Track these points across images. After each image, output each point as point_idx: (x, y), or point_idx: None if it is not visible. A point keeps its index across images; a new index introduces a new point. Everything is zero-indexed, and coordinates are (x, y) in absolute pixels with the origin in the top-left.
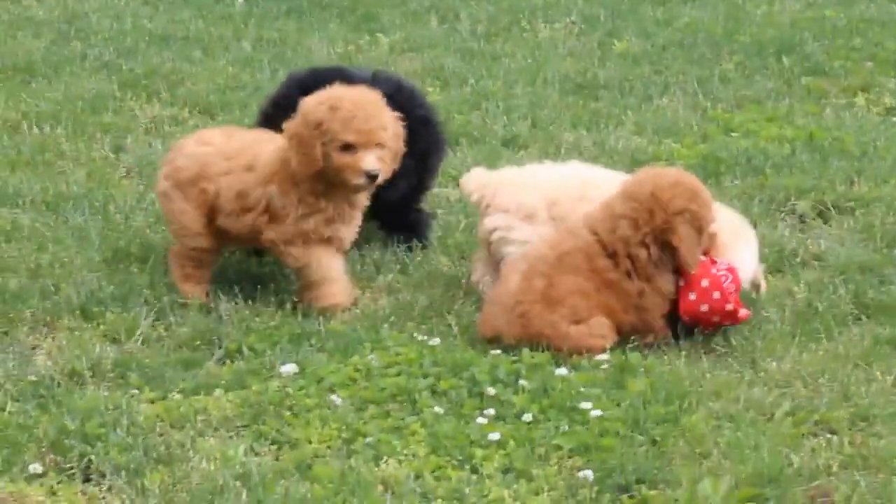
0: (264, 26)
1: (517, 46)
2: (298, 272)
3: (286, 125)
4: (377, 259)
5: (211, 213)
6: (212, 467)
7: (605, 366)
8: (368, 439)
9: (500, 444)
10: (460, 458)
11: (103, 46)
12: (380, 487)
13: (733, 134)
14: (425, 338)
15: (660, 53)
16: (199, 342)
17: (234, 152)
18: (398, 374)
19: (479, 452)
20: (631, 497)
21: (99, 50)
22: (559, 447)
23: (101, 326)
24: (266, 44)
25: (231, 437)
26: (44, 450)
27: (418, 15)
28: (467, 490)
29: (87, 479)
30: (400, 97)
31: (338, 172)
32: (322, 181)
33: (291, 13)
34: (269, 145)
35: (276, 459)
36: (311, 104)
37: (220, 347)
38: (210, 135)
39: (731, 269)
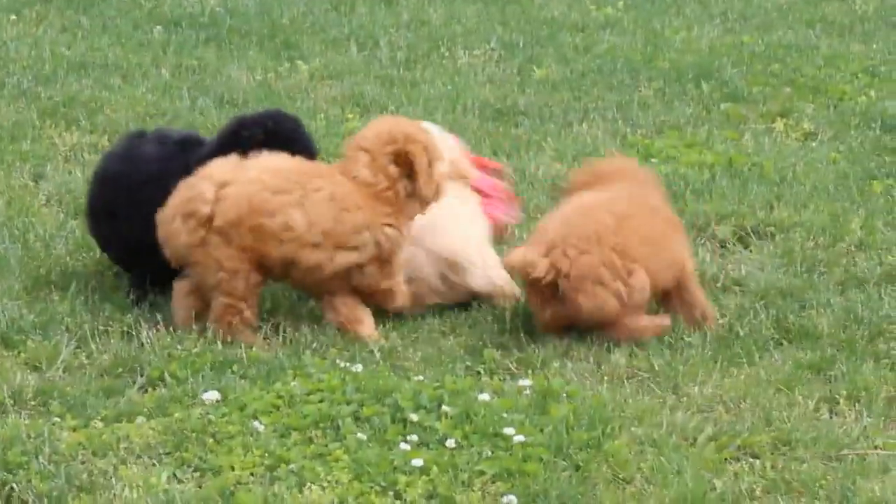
0: (183, 54)
1: (437, 73)
2: (344, 300)
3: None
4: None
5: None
6: (135, 495)
7: (527, 391)
8: (292, 466)
9: (424, 471)
10: (384, 484)
11: (21, 74)
12: None
13: (653, 160)
14: (348, 364)
15: (579, 80)
16: (120, 370)
17: (286, 184)
18: (321, 401)
19: (402, 479)
20: None
21: (17, 78)
22: (483, 473)
23: (22, 354)
24: (185, 71)
25: (154, 465)
26: None
27: (338, 42)
28: None
29: None
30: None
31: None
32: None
33: (210, 41)
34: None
35: (199, 487)
36: None
37: (141, 375)
38: (222, 170)
39: None
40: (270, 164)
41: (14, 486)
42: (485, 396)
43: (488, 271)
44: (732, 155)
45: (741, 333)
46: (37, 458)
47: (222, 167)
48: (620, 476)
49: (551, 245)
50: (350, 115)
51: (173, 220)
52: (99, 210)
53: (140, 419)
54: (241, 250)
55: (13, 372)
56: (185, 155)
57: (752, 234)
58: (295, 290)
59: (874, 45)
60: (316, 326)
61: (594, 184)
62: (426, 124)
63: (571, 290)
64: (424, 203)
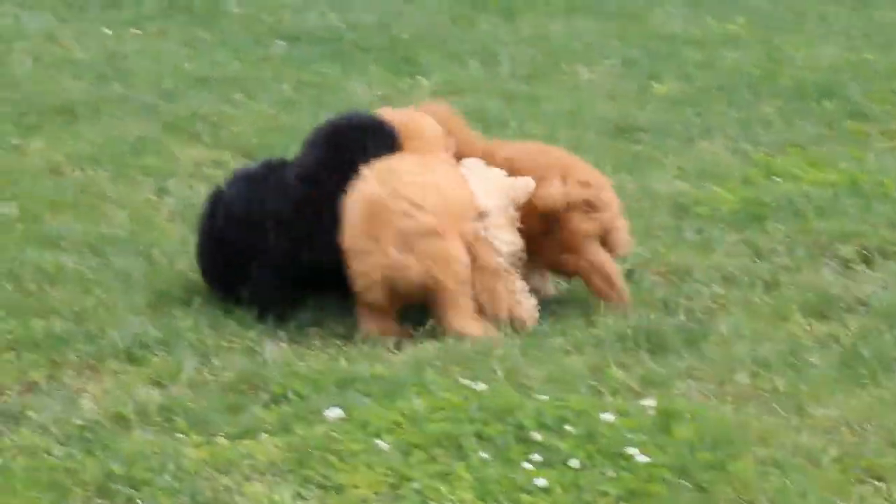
0: (304, 69)
1: (557, 89)
2: None
3: None
4: (420, 306)
5: None
6: None
7: (650, 411)
8: (415, 484)
9: (547, 491)
10: (507, 503)
11: (144, 89)
12: None
13: (776, 178)
14: (470, 382)
15: (700, 96)
16: (244, 386)
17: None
18: (444, 419)
19: (525, 498)
20: None
21: (140, 92)
22: (606, 493)
23: (146, 370)
24: (306, 86)
25: (277, 482)
26: (90, 494)
27: (459, 57)
28: None
29: None
30: None
31: None
32: None
33: (331, 56)
34: None
35: None
36: None
37: (265, 392)
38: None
39: None
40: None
41: (139, 501)
42: (608, 416)
43: None
44: (856, 173)
45: (865, 354)
46: (161, 474)
47: None
48: (744, 497)
49: None
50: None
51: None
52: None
53: (263, 436)
54: None
55: (137, 387)
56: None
57: (876, 253)
58: (416, 306)
59: None
60: (439, 343)
61: None
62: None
63: None
64: None
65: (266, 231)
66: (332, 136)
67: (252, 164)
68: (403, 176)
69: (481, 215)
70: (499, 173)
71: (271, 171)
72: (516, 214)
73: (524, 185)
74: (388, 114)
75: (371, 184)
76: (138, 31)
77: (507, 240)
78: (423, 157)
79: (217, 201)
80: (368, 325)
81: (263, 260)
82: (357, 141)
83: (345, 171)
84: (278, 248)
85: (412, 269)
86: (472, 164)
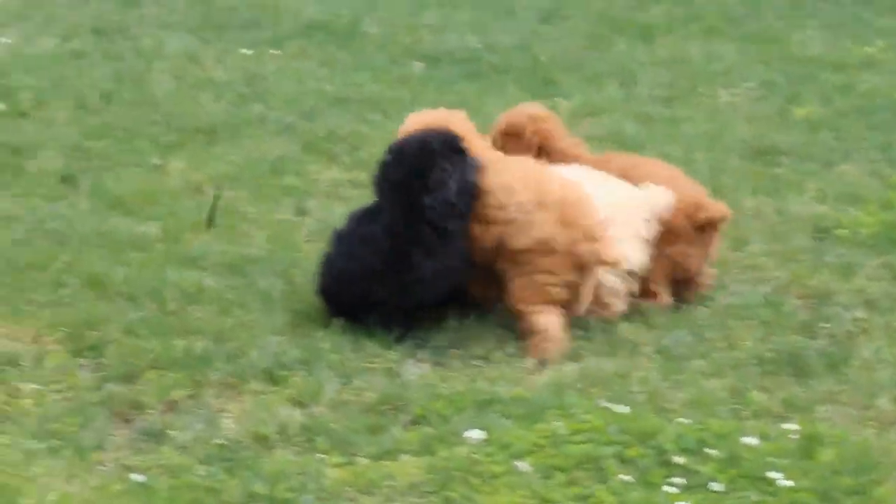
0: (443, 90)
1: (696, 111)
2: None
3: None
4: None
5: None
6: None
7: (793, 435)
8: None
9: None
10: None
11: (283, 109)
12: None
13: None
14: (611, 405)
15: (840, 119)
16: (385, 407)
17: None
18: (584, 442)
19: None
20: None
21: (279, 112)
22: None
23: (287, 390)
24: (444, 107)
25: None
26: None
27: (597, 79)
28: None
29: None
30: None
31: None
32: None
33: (470, 77)
34: None
35: None
36: None
37: (406, 413)
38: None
39: None
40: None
41: None
42: (750, 440)
43: None
44: None
45: None
46: (303, 494)
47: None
48: None
49: None
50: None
51: None
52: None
53: (405, 457)
54: None
55: (278, 408)
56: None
57: None
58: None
59: None
60: (577, 365)
61: None
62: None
63: None
64: None
65: (369, 285)
66: (404, 177)
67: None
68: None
69: (602, 225)
70: (628, 185)
71: (359, 226)
72: (650, 228)
73: (665, 200)
74: (431, 117)
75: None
76: (277, 52)
77: (625, 255)
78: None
79: (323, 263)
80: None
81: (374, 310)
82: (429, 163)
83: (420, 204)
84: (382, 298)
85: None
86: (592, 174)
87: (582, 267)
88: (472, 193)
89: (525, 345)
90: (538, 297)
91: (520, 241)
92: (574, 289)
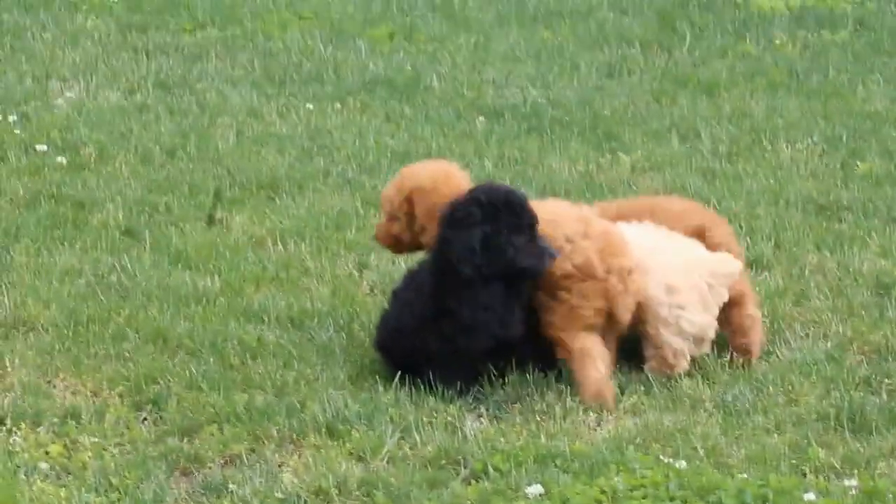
0: (505, 144)
1: (759, 166)
2: None
3: None
4: (621, 380)
5: None
6: None
7: (853, 491)
8: None
9: None
10: None
11: (346, 163)
12: None
13: None
14: (671, 460)
15: None
16: (444, 461)
17: None
18: (644, 497)
19: None
20: None
21: (342, 167)
22: None
23: (347, 444)
24: (507, 161)
25: None
26: None
27: (659, 134)
28: None
29: None
30: None
31: None
32: None
33: (532, 131)
34: None
35: None
36: None
37: (465, 467)
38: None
39: None
40: None
41: None
42: (810, 496)
43: None
44: None
45: None
46: None
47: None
48: None
49: None
50: None
51: None
52: None
53: None
54: None
55: (338, 462)
56: None
57: None
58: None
59: None
60: (637, 420)
61: None
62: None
63: None
64: None
65: (419, 336)
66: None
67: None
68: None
69: (669, 290)
70: (700, 248)
71: (412, 280)
72: (719, 293)
73: (731, 268)
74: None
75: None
76: (340, 106)
77: (692, 320)
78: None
79: (381, 318)
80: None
81: (431, 363)
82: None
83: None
84: (433, 350)
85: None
86: (667, 236)
87: (613, 297)
88: (501, 249)
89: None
90: (572, 323)
91: (562, 267)
92: (605, 317)
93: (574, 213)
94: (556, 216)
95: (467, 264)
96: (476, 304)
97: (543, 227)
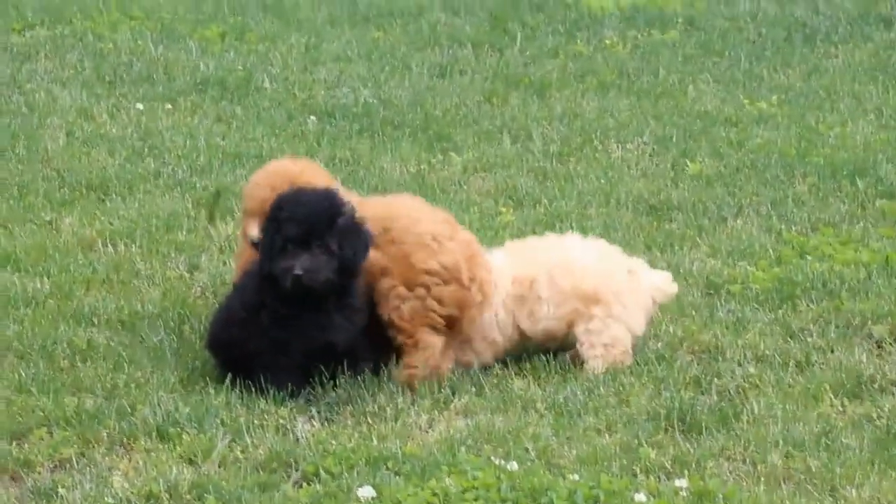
0: (337, 145)
1: (590, 167)
2: None
3: None
4: (453, 381)
5: None
6: None
7: (683, 492)
8: None
9: None
10: None
11: (176, 164)
12: None
13: (808, 257)
14: (502, 461)
15: (733, 175)
16: (275, 464)
17: None
18: (476, 499)
19: None
20: None
21: (172, 168)
22: None
23: (178, 448)
24: (339, 162)
25: None
26: None
27: (491, 134)
28: None
29: None
30: None
31: None
32: None
33: (364, 132)
34: None
35: None
36: None
37: (296, 470)
38: None
39: None
40: None
41: None
42: (641, 497)
43: None
44: (889, 253)
45: None
46: None
47: None
48: None
49: None
50: (503, 209)
51: None
52: None
53: None
54: None
55: (168, 465)
56: None
57: None
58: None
59: None
60: (469, 422)
61: None
62: None
63: None
64: None
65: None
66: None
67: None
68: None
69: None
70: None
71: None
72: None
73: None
74: (289, 165)
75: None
76: (171, 107)
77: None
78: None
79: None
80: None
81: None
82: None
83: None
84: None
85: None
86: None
87: (468, 307)
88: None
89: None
90: (420, 320)
91: (427, 263)
92: (451, 324)
93: (438, 214)
94: (419, 214)
95: (262, 263)
96: (287, 304)
97: (405, 223)
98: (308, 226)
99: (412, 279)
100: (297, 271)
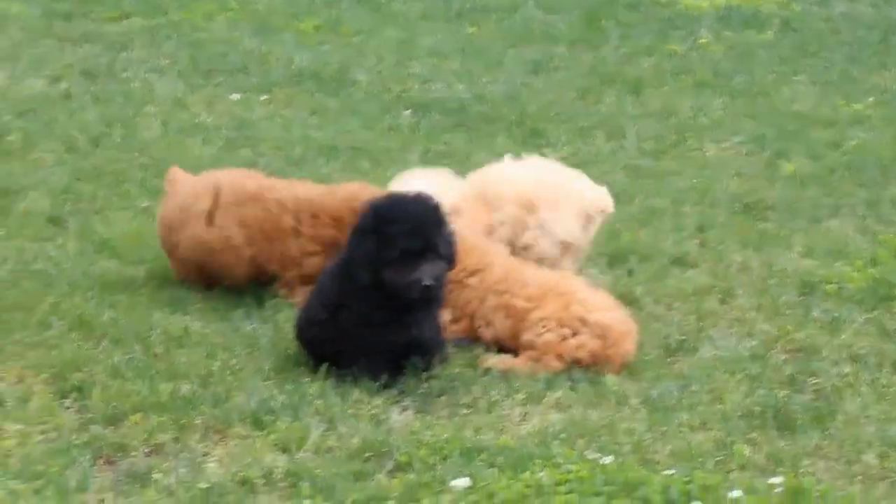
0: (432, 139)
1: (684, 165)
2: None
3: None
4: (547, 376)
5: None
6: None
7: (778, 489)
8: None
9: None
10: None
11: (271, 155)
12: None
13: None
14: (596, 455)
15: (828, 175)
16: (369, 453)
17: None
18: (570, 492)
19: None
20: None
21: (267, 159)
22: None
23: (272, 435)
24: (433, 156)
25: None
26: None
27: (585, 131)
28: None
29: None
30: None
31: None
32: None
33: (459, 126)
34: None
35: None
36: None
37: (390, 459)
38: None
39: None
40: None
41: None
42: (735, 493)
43: None
44: None
45: None
46: None
47: None
48: None
49: None
50: None
51: None
52: None
53: None
54: None
55: (263, 452)
56: None
57: None
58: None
59: None
60: (563, 415)
61: None
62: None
63: None
64: None
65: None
66: None
67: None
68: None
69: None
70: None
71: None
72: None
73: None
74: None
75: None
76: (266, 98)
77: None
78: None
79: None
80: None
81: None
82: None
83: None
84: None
85: None
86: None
87: None
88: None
89: None
90: None
91: None
92: None
93: None
94: None
95: (357, 270)
96: (369, 305)
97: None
98: (426, 237)
99: None
100: (428, 282)
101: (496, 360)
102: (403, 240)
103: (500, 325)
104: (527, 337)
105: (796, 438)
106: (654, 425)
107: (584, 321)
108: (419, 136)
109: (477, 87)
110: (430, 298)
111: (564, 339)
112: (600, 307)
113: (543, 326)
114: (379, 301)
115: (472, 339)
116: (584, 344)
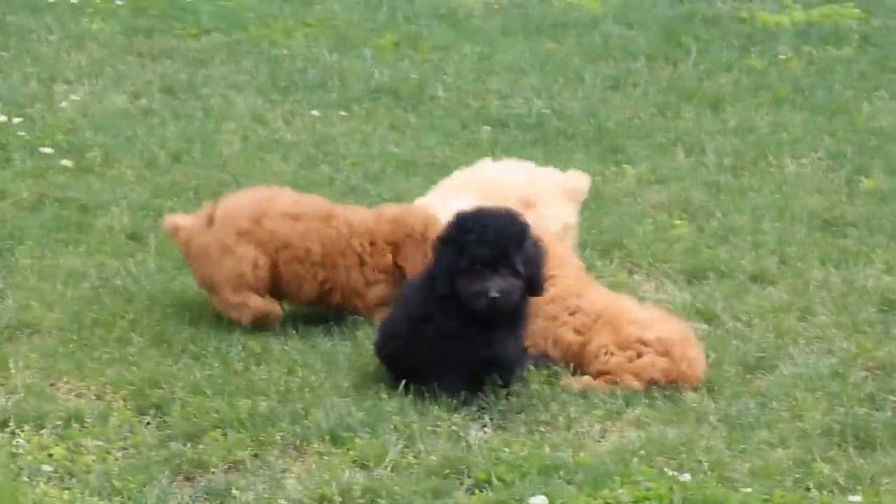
0: (510, 154)
1: (764, 181)
2: None
3: None
4: (626, 393)
5: None
6: None
7: None
8: None
9: None
10: None
11: (350, 170)
12: None
13: None
14: (675, 473)
15: None
16: (447, 471)
17: None
18: None
19: None
20: None
21: (346, 174)
22: None
23: (351, 452)
24: None
25: None
26: None
27: (664, 147)
28: None
29: None
30: None
31: None
32: None
33: (537, 142)
34: None
35: None
36: None
37: (468, 477)
38: None
39: None
40: None
41: None
42: None
43: None
44: None
45: None
46: None
47: None
48: None
49: None
50: (677, 221)
51: None
52: None
53: None
54: None
55: (341, 469)
56: None
57: None
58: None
59: None
60: (641, 433)
61: None
62: None
63: None
64: None
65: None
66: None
67: None
68: None
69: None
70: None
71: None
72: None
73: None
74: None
75: None
76: (345, 114)
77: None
78: None
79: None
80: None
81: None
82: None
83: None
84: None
85: None
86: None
87: None
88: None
89: None
90: None
91: None
92: None
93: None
94: None
95: (437, 280)
96: (451, 318)
97: None
98: (499, 248)
99: None
100: (494, 294)
101: (573, 381)
102: (476, 249)
103: (551, 351)
104: (594, 367)
105: (876, 457)
106: (733, 443)
107: (643, 341)
108: (498, 151)
109: (555, 102)
110: (502, 313)
111: (631, 360)
112: (655, 321)
113: (605, 353)
114: (460, 313)
115: (550, 357)
116: (655, 363)
